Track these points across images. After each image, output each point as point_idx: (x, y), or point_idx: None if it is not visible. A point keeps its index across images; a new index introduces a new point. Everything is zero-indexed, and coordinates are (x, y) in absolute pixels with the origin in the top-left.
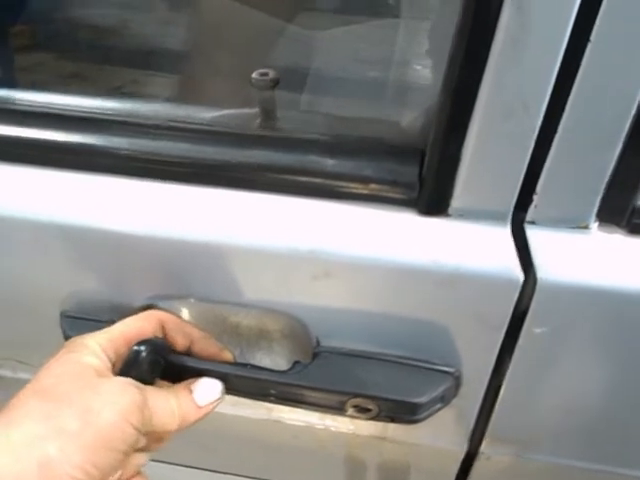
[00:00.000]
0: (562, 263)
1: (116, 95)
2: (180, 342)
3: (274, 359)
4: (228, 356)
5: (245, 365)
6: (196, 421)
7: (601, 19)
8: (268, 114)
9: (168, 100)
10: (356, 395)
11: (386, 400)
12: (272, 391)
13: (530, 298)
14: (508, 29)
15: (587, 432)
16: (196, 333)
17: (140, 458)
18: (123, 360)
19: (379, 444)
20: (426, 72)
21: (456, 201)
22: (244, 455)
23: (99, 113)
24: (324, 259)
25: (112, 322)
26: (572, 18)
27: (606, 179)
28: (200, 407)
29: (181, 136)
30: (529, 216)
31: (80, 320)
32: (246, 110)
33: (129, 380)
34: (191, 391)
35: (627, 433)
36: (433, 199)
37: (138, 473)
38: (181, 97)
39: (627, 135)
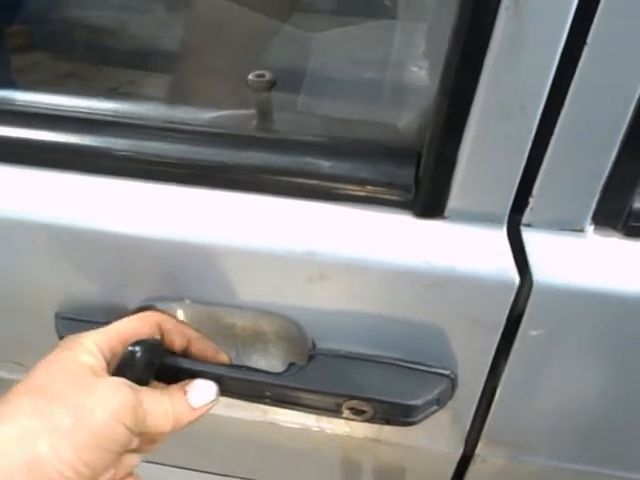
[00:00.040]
0: (558, 266)
1: (112, 96)
2: (178, 343)
3: (270, 361)
4: (224, 358)
5: (240, 367)
6: (190, 423)
7: (598, 22)
8: (264, 116)
9: (165, 101)
10: (351, 397)
11: (381, 402)
12: (267, 393)
13: (526, 300)
14: (505, 31)
15: (582, 435)
16: (193, 334)
17: (133, 459)
18: (118, 360)
19: (375, 446)
20: (423, 74)
21: (452, 203)
22: (239, 457)
23: (95, 114)
24: (319, 261)
25: (107, 324)
26: (569, 21)
27: (602, 182)
28: (194, 409)
29: (177, 137)
30: (525, 219)
31: (75, 321)
32: (242, 111)
33: (123, 380)
34: (185, 392)
35: (622, 436)
36: (429, 201)
37: (130, 474)
38: (178, 98)
39: (623, 138)
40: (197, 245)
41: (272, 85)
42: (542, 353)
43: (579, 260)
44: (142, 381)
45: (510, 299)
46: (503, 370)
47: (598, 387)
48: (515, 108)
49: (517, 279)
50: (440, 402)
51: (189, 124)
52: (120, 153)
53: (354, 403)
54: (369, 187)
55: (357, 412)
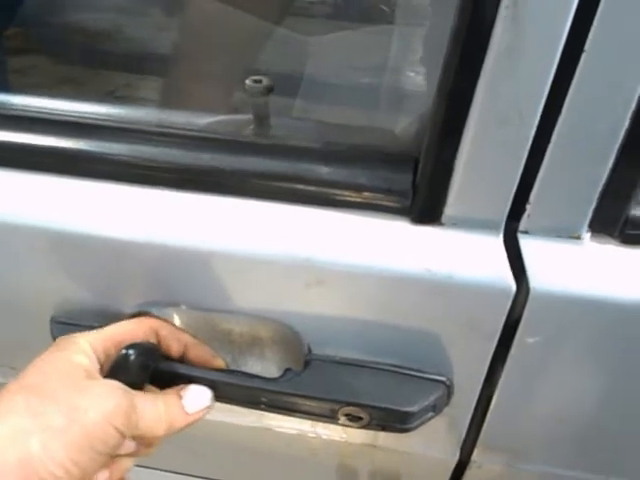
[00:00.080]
0: (555, 273)
1: (109, 100)
2: (175, 349)
3: (266, 366)
4: (220, 363)
5: (235, 372)
6: (184, 428)
7: (596, 29)
8: (261, 121)
9: (161, 105)
10: (348, 403)
11: (377, 409)
12: (263, 399)
13: (522, 307)
14: (503, 37)
15: (579, 441)
16: (190, 340)
17: (128, 462)
18: (111, 362)
19: (371, 452)
20: (420, 79)
21: (449, 209)
22: (234, 462)
23: (90, 118)
24: (317, 267)
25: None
26: (567, 28)
27: (599, 189)
28: (188, 414)
29: (174, 142)
30: (522, 225)
31: (70, 326)
32: (239, 117)
33: (117, 383)
34: (180, 397)
35: (619, 442)
36: (426, 207)
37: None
38: (174, 103)
39: (621, 145)
40: (193, 251)
41: (269, 90)
42: (539, 360)
43: (576, 267)
44: (136, 384)
45: (507, 306)
46: (500, 377)
47: (595, 394)
48: (513, 115)
49: (514, 286)
50: (436, 408)
51: (186, 129)
52: (116, 158)
53: (350, 409)
54: (366, 193)
55: (353, 418)
